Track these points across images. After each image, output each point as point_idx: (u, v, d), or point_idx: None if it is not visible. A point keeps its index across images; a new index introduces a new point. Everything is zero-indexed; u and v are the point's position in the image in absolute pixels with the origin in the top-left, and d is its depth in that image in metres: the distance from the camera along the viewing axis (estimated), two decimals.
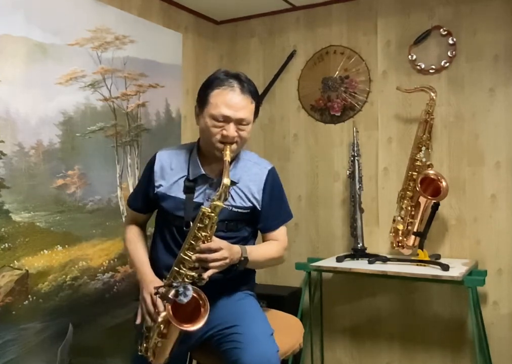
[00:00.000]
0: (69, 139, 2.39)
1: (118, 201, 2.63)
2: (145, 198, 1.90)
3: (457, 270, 2.49)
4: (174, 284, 1.60)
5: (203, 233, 1.63)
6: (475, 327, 2.56)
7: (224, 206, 1.64)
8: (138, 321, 1.72)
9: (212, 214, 1.62)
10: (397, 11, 2.97)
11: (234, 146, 1.74)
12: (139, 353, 1.70)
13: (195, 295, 1.60)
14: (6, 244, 2.09)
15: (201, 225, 1.63)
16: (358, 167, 2.94)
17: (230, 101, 1.71)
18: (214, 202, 1.62)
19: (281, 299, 3.01)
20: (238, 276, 1.85)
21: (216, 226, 1.64)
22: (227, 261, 1.64)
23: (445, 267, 2.47)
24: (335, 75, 3.15)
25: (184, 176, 1.82)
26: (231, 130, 1.71)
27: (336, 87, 3.15)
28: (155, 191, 1.85)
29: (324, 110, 3.19)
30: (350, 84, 3.11)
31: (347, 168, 3.00)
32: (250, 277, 1.96)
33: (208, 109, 1.73)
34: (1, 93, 2.08)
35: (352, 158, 2.96)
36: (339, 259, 2.78)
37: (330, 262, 2.81)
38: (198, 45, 3.34)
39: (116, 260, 2.59)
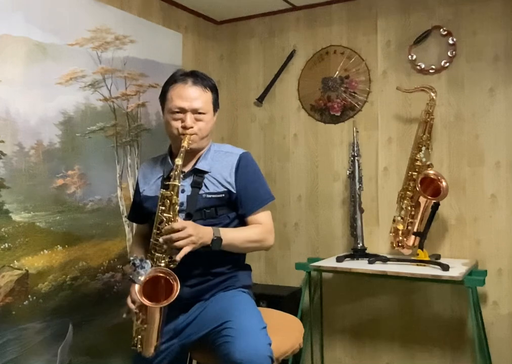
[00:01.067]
0: (69, 139, 2.39)
1: (118, 201, 2.63)
2: (138, 208, 2.01)
3: (457, 270, 2.49)
4: (131, 258, 1.65)
5: (166, 215, 1.69)
6: (475, 327, 2.56)
7: (179, 184, 1.70)
8: (124, 315, 1.76)
9: (170, 195, 1.68)
10: (397, 11, 2.97)
11: (194, 136, 1.82)
12: (132, 348, 1.72)
13: (161, 275, 1.64)
14: (6, 244, 2.09)
15: (163, 208, 1.70)
16: (358, 167, 2.94)
17: (183, 93, 1.82)
18: (171, 183, 1.69)
19: (281, 299, 3.01)
20: (231, 275, 1.87)
21: (178, 207, 1.70)
22: (193, 238, 1.66)
23: (445, 267, 2.47)
24: (335, 75, 3.15)
25: (161, 176, 1.92)
26: (188, 120, 1.81)
27: (336, 87, 3.15)
28: (140, 197, 1.96)
29: (324, 110, 3.19)
30: (350, 84, 3.11)
31: (347, 168, 3.00)
32: (245, 275, 1.95)
33: (166, 105, 1.87)
34: (1, 93, 2.08)
35: (352, 158, 2.96)
36: (339, 259, 2.78)
37: (330, 262, 2.81)
38: (198, 45, 3.34)
39: (116, 260, 2.59)
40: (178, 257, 1.65)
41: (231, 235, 1.79)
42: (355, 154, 2.95)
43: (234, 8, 3.26)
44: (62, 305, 2.31)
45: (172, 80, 1.86)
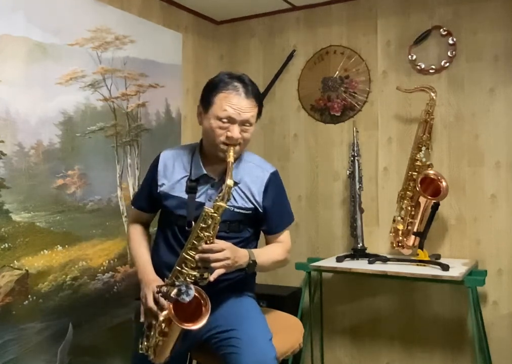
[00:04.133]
0: (69, 139, 2.39)
1: (118, 201, 2.63)
2: (149, 197, 1.93)
3: (457, 270, 2.49)
4: (177, 283, 1.61)
5: (206, 234, 1.64)
6: (475, 327, 2.56)
7: (227, 206, 1.65)
8: (142, 319, 1.72)
9: (215, 215, 1.63)
10: (397, 11, 2.97)
11: (237, 147, 1.78)
12: (140, 351, 1.70)
13: (196, 294, 1.60)
14: (6, 244, 2.09)
15: (203, 225, 1.64)
16: (358, 167, 2.94)
17: (236, 104, 1.75)
18: (217, 203, 1.64)
19: (281, 299, 3.01)
20: (237, 279, 1.85)
21: (218, 227, 1.65)
22: (229, 261, 1.64)
23: (445, 267, 2.47)
24: (335, 75, 3.15)
25: (186, 175, 1.84)
26: (235, 131, 1.75)
27: (336, 87, 3.15)
28: (158, 190, 1.87)
29: (324, 110, 3.19)
30: (350, 84, 3.11)
31: (347, 168, 3.00)
32: (251, 279, 1.96)
33: (214, 111, 1.76)
34: (1, 93, 2.09)
35: (352, 158, 2.96)
36: (339, 259, 2.78)
37: (330, 262, 2.81)
38: (198, 45, 3.34)
39: (116, 260, 2.59)
40: (212, 277, 1.62)
41: (263, 258, 1.80)
42: (355, 154, 2.95)
43: (234, 8, 3.26)
44: (62, 305, 2.31)
45: (222, 85, 1.77)
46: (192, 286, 1.59)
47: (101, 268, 2.52)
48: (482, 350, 2.65)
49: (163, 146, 2.04)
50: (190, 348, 1.85)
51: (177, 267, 1.67)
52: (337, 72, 3.14)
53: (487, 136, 2.77)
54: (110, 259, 2.57)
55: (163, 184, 1.86)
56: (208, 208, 1.65)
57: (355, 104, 3.10)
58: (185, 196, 1.81)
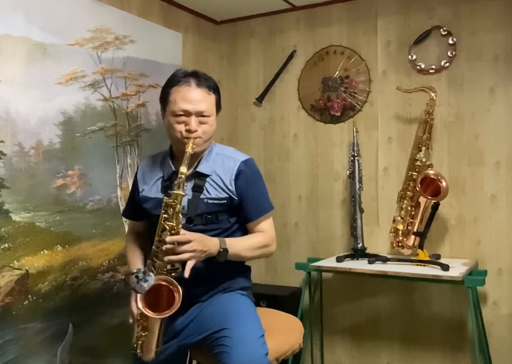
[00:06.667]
0: (69, 139, 2.39)
1: (118, 201, 2.63)
2: (134, 205, 1.98)
3: (457, 270, 2.49)
4: (134, 270, 1.62)
5: (169, 223, 1.66)
6: (475, 327, 2.56)
7: (183, 193, 1.67)
8: (130, 320, 1.75)
9: (174, 203, 1.65)
10: (397, 11, 2.97)
11: (198, 140, 1.79)
12: (132, 351, 1.72)
13: (164, 283, 1.62)
14: (6, 244, 2.09)
15: (166, 216, 1.67)
16: (358, 167, 2.94)
17: (188, 95, 1.77)
18: (174, 191, 1.66)
19: (281, 299, 3.01)
20: (230, 277, 1.87)
21: (181, 216, 1.67)
22: (196, 253, 1.65)
23: (445, 267, 2.48)
24: (335, 75, 3.15)
25: (160, 177, 1.89)
26: (193, 123, 1.77)
27: (336, 87, 3.15)
28: (139, 196, 1.93)
29: (324, 110, 3.19)
30: (350, 84, 3.11)
31: (347, 168, 3.00)
32: (244, 277, 1.94)
33: (169, 107, 1.81)
34: (1, 93, 2.08)
35: (352, 158, 2.96)
36: (339, 259, 2.78)
37: (330, 262, 2.81)
38: (198, 45, 3.34)
39: (116, 260, 2.59)
40: (186, 273, 1.62)
41: (237, 246, 1.78)
42: (355, 154, 2.95)
43: (234, 8, 3.26)
44: (62, 305, 2.31)
45: (175, 82, 1.80)
46: (151, 273, 1.60)
47: (101, 268, 2.52)
48: (482, 350, 2.65)
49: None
50: (186, 348, 1.85)
51: (149, 261, 1.70)
52: (337, 72, 3.14)
53: (487, 136, 2.77)
54: (110, 259, 2.57)
55: (143, 189, 1.93)
56: (167, 198, 1.67)
57: (355, 104, 3.10)
58: (161, 196, 1.83)
